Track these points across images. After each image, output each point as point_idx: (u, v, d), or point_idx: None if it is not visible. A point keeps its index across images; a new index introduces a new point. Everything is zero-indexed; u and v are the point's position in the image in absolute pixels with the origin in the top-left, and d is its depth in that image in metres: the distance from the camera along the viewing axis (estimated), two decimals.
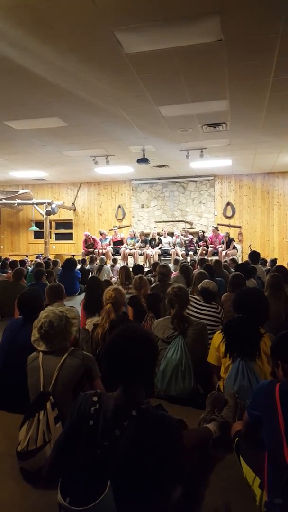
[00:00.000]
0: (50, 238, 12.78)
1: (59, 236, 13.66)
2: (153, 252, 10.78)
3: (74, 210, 13.24)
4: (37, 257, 10.20)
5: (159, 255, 10.84)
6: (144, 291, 4.14)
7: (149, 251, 10.87)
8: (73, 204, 13.19)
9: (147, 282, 4.34)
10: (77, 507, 1.18)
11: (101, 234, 11.76)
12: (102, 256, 10.17)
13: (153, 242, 11.21)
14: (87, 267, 9.15)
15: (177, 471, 1.35)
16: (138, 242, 11.29)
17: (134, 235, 11.48)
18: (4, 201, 12.21)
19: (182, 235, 11.13)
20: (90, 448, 1.36)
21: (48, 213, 11.71)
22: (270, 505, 1.48)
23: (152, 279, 5.56)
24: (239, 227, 11.86)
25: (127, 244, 11.29)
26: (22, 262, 8.33)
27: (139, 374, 1.41)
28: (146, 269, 7.23)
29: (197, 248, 10.91)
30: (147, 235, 11.61)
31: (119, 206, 12.86)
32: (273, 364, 1.80)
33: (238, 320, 2.46)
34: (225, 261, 8.54)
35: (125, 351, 1.40)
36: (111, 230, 11.96)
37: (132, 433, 1.34)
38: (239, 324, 2.41)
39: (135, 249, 11.04)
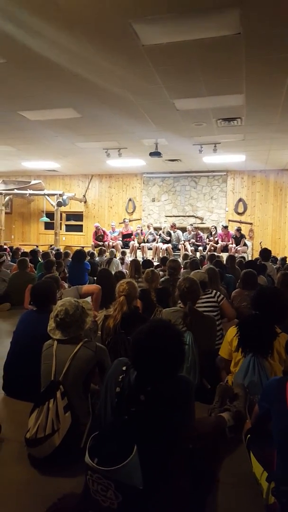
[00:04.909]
0: (61, 229, 12.85)
1: (69, 228, 13.72)
2: (163, 246, 10.77)
3: (85, 202, 13.28)
4: (51, 249, 10.27)
5: (172, 249, 10.81)
6: (155, 285, 4.17)
7: (159, 244, 10.87)
8: (84, 196, 13.22)
9: (158, 276, 4.35)
10: (105, 467, 1.26)
11: (112, 226, 11.82)
12: (112, 249, 10.19)
13: (163, 234, 11.20)
14: (96, 259, 9.18)
15: (190, 418, 1.53)
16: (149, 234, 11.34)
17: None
18: (16, 191, 12.29)
19: (187, 231, 11.11)
20: (118, 414, 1.46)
21: (59, 204, 11.76)
22: (277, 492, 1.54)
23: (161, 273, 5.56)
24: (250, 223, 11.76)
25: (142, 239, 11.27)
26: (34, 252, 8.41)
27: (162, 372, 1.47)
28: (155, 263, 7.23)
29: (207, 243, 10.87)
30: (156, 229, 11.61)
31: (130, 199, 12.85)
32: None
33: (255, 317, 2.47)
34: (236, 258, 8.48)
35: (153, 349, 1.45)
36: (121, 223, 11.97)
37: (156, 394, 1.44)
38: (254, 321, 2.42)
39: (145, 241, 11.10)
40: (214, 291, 3.70)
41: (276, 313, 2.50)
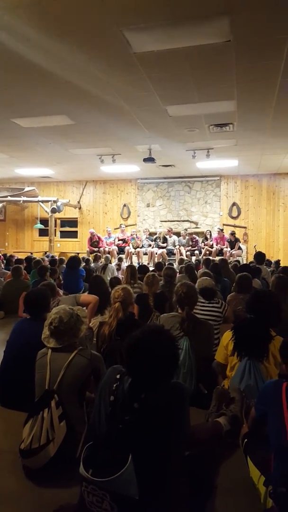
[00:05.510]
0: (55, 236, 12.82)
1: (64, 234, 13.69)
2: (159, 251, 10.78)
3: (80, 208, 13.27)
4: (46, 256, 10.23)
5: (167, 254, 10.83)
6: (154, 289, 4.18)
7: (154, 249, 10.88)
8: (78, 202, 13.22)
9: (158, 280, 4.36)
10: (99, 478, 1.24)
11: (107, 232, 11.83)
12: (107, 255, 10.17)
13: (158, 240, 11.22)
14: (92, 265, 9.16)
15: (185, 424, 1.50)
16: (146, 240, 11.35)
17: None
18: (9, 198, 12.26)
19: (181, 236, 11.12)
20: (112, 423, 1.44)
21: (54, 210, 11.74)
22: (274, 494, 1.53)
23: None
24: (245, 227, 11.83)
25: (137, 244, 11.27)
26: (29, 259, 8.37)
27: (157, 378, 1.47)
28: (150, 269, 7.23)
29: (202, 248, 10.90)
30: (152, 234, 11.63)
31: (125, 205, 12.87)
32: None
33: (250, 321, 2.48)
34: (229, 262, 8.50)
35: (147, 354, 1.45)
36: (117, 228, 11.98)
37: (150, 401, 1.43)
38: (250, 325, 2.43)
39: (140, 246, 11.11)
40: (222, 302, 3.72)
41: (271, 316, 2.51)
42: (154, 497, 1.36)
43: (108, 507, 1.25)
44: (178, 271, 6.54)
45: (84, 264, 8.55)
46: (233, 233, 10.81)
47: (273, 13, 3.52)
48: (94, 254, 10.40)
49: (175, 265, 8.09)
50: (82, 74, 4.83)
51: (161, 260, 9.90)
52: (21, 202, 12.30)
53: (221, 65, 4.56)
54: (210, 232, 11.24)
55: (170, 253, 10.92)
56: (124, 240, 11.50)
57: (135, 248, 11.13)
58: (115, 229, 12.28)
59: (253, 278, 5.23)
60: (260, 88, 5.26)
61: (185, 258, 9.71)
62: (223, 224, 11.82)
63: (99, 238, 11.50)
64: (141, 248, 11.15)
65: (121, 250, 11.25)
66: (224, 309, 3.65)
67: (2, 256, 9.63)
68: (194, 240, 11.08)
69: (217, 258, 9.33)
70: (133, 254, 11.04)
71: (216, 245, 10.70)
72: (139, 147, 8.41)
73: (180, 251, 10.65)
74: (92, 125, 6.89)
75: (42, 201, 12.09)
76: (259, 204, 11.75)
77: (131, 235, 11.50)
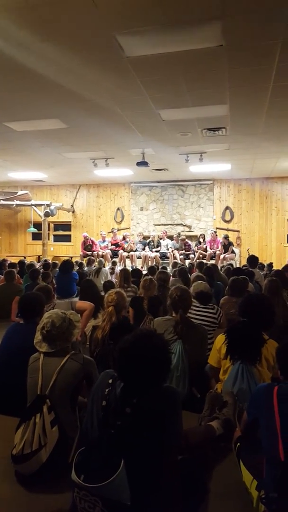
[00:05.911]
0: (48, 239, 12.77)
1: (57, 238, 13.65)
2: (152, 255, 10.79)
3: (73, 212, 13.24)
4: (42, 261, 10.16)
5: (161, 257, 10.84)
6: (150, 293, 4.19)
7: (147, 253, 10.89)
8: (72, 206, 13.19)
9: (155, 285, 4.37)
10: (91, 484, 1.23)
11: (102, 236, 11.81)
12: (101, 259, 10.15)
13: (152, 244, 11.23)
14: (85, 269, 9.13)
15: (178, 428, 1.50)
16: (138, 243, 11.35)
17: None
18: (2, 202, 12.19)
19: (174, 239, 11.15)
20: (104, 428, 1.44)
21: (47, 214, 11.71)
22: (266, 499, 1.53)
23: None
24: (238, 231, 11.90)
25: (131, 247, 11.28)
26: (22, 263, 8.32)
27: (149, 382, 1.46)
28: (144, 272, 7.23)
29: (195, 251, 10.93)
30: (145, 237, 11.64)
31: (118, 209, 12.87)
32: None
33: (242, 324, 2.48)
34: (223, 266, 8.54)
35: (139, 358, 1.45)
36: (110, 232, 11.97)
37: (142, 406, 1.42)
38: (243, 329, 2.43)
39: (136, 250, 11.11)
40: (218, 308, 3.72)
41: (264, 320, 2.52)
42: (146, 502, 1.35)
43: None
44: (171, 274, 6.54)
45: (77, 268, 8.52)
46: (226, 237, 10.87)
47: (265, 18, 3.57)
48: (88, 258, 10.36)
49: (169, 269, 8.10)
50: (75, 77, 4.84)
51: (154, 263, 9.89)
52: (14, 206, 12.24)
53: (213, 70, 4.60)
54: (204, 235, 11.28)
55: (164, 256, 10.93)
56: (116, 244, 11.49)
57: (128, 252, 11.12)
58: (108, 232, 12.29)
59: None
60: (253, 93, 5.32)
61: (179, 261, 9.72)
62: (217, 228, 11.88)
63: (92, 242, 11.47)
64: (134, 251, 11.16)
65: (114, 254, 11.24)
66: (219, 316, 3.64)
67: None
68: (187, 244, 11.12)
69: (210, 262, 9.36)
70: (127, 257, 11.03)
71: (210, 249, 10.74)
72: (132, 151, 8.43)
73: (173, 255, 10.67)
74: (85, 128, 6.89)
75: (35, 205, 12.05)
76: (252, 208, 11.84)
77: (124, 238, 11.50)
